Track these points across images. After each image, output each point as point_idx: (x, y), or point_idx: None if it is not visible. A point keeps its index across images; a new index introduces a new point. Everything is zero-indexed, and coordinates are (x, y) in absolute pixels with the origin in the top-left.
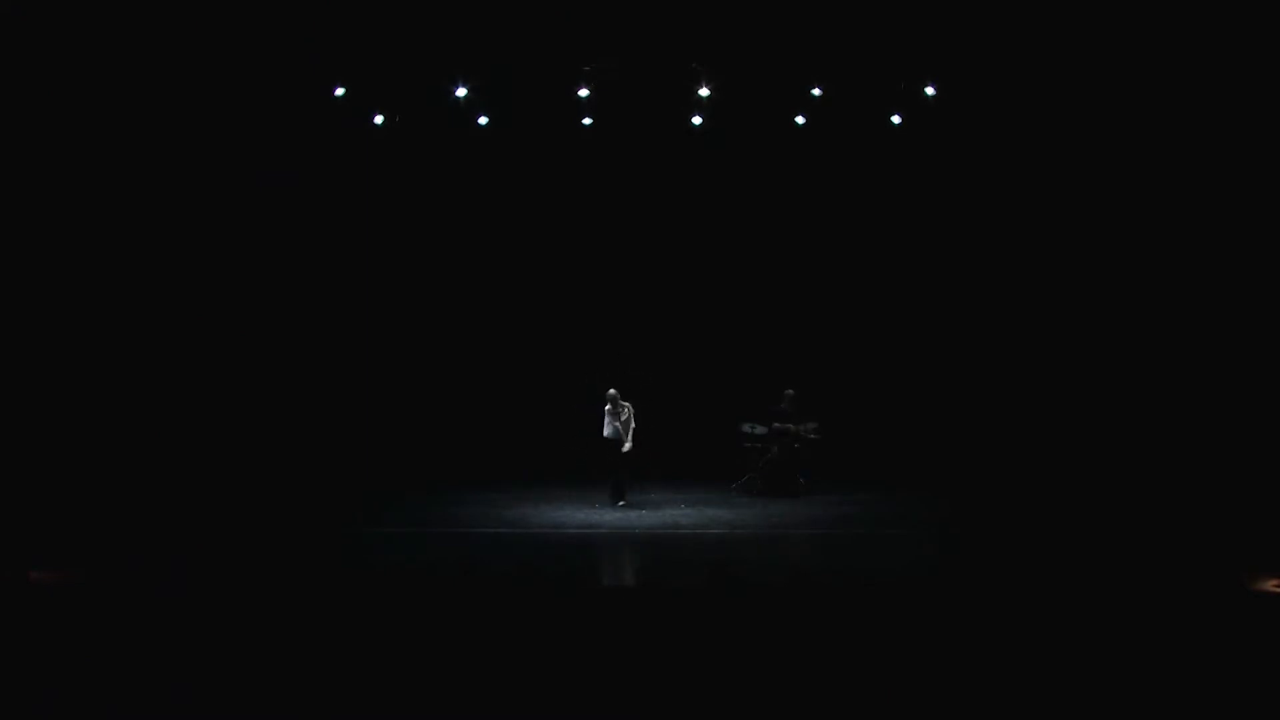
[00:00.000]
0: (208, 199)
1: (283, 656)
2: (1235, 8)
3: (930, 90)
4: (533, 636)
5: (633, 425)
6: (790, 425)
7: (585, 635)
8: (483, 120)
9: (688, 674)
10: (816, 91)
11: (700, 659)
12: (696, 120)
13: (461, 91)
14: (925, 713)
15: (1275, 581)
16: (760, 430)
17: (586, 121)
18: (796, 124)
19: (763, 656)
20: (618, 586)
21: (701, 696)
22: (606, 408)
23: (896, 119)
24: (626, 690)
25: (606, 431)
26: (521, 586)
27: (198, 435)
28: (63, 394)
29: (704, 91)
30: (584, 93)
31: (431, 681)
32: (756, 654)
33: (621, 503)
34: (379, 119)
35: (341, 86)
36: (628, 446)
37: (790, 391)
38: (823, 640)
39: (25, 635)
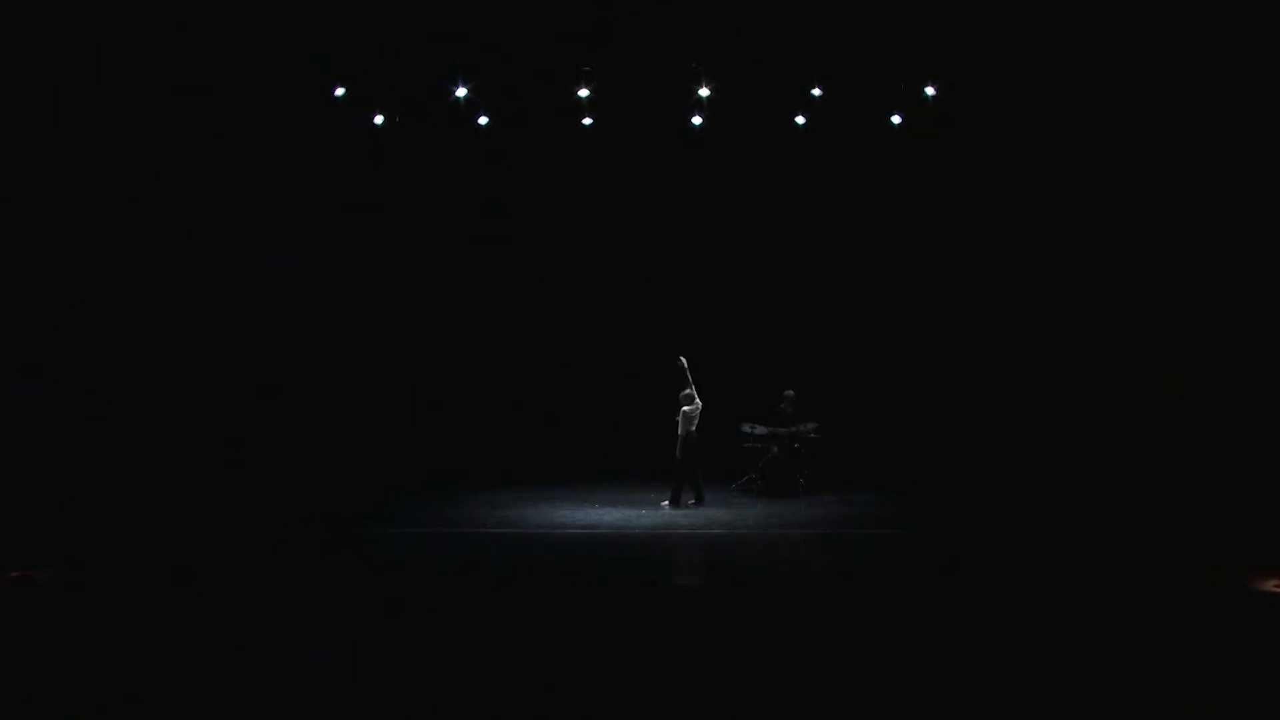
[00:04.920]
0: (208, 198)
1: (282, 656)
2: (1235, 8)
3: (930, 90)
4: (532, 637)
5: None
6: (790, 425)
7: (585, 635)
8: (483, 120)
9: (687, 674)
10: (817, 91)
11: (700, 659)
12: (696, 120)
13: (461, 91)
14: (926, 713)
15: (1275, 581)
16: (760, 430)
17: (586, 121)
18: (797, 124)
19: (763, 656)
20: (617, 587)
21: (701, 696)
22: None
23: (897, 119)
24: (626, 690)
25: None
26: (521, 586)
27: (198, 435)
28: (67, 393)
29: (704, 91)
30: (584, 93)
31: (430, 681)
32: (756, 654)
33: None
34: (379, 119)
35: (342, 86)
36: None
37: (790, 392)
38: (823, 640)
39: (23, 635)
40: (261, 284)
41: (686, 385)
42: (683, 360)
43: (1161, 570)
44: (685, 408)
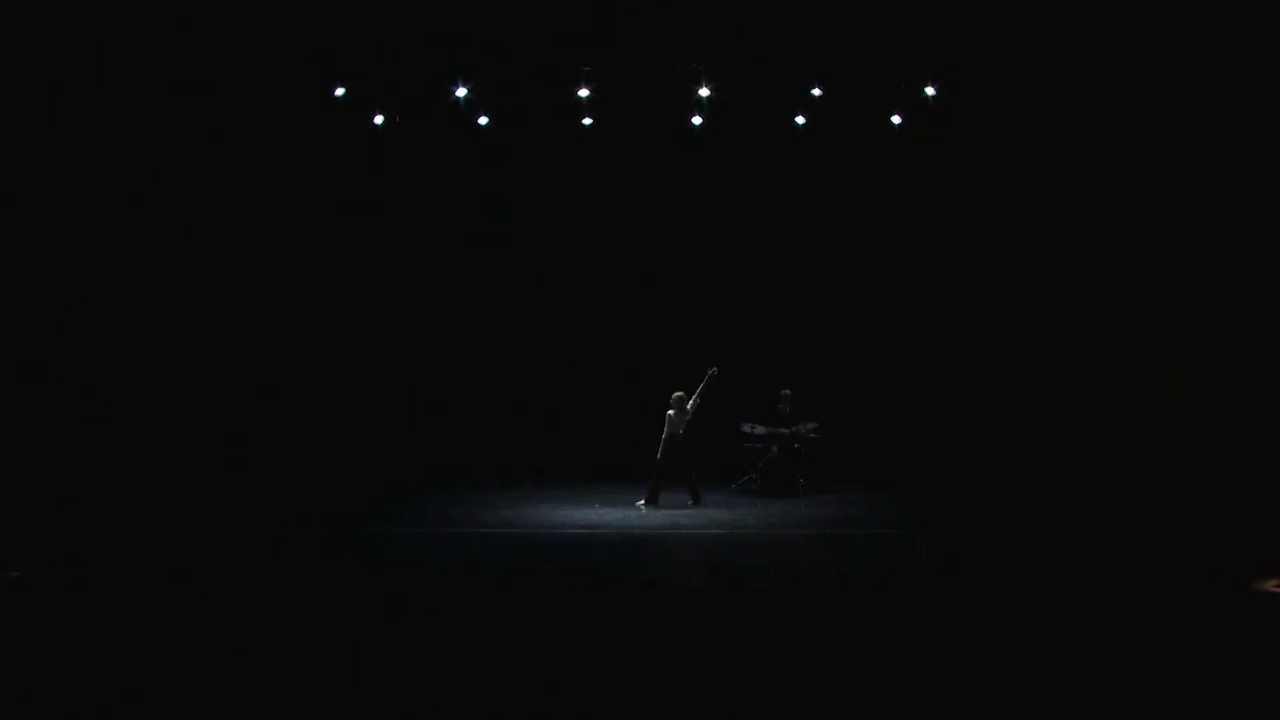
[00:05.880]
0: (208, 198)
1: (282, 656)
2: (1235, 8)
3: (930, 90)
4: (532, 637)
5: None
6: (789, 425)
7: (585, 635)
8: (483, 120)
9: (687, 674)
10: (817, 91)
11: (700, 659)
12: (697, 120)
13: (461, 91)
14: (925, 713)
15: (1275, 581)
16: (760, 430)
17: (586, 121)
18: (797, 124)
19: (763, 656)
20: (617, 587)
21: (701, 696)
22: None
23: (897, 119)
24: (626, 690)
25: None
26: (521, 586)
27: (198, 435)
28: (67, 393)
29: (704, 91)
30: (584, 93)
31: (430, 681)
32: (756, 654)
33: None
34: (379, 119)
35: (342, 86)
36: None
37: (787, 391)
38: (823, 640)
39: (24, 635)
40: (261, 284)
41: (690, 392)
42: (713, 371)
43: (1162, 570)
44: (671, 411)
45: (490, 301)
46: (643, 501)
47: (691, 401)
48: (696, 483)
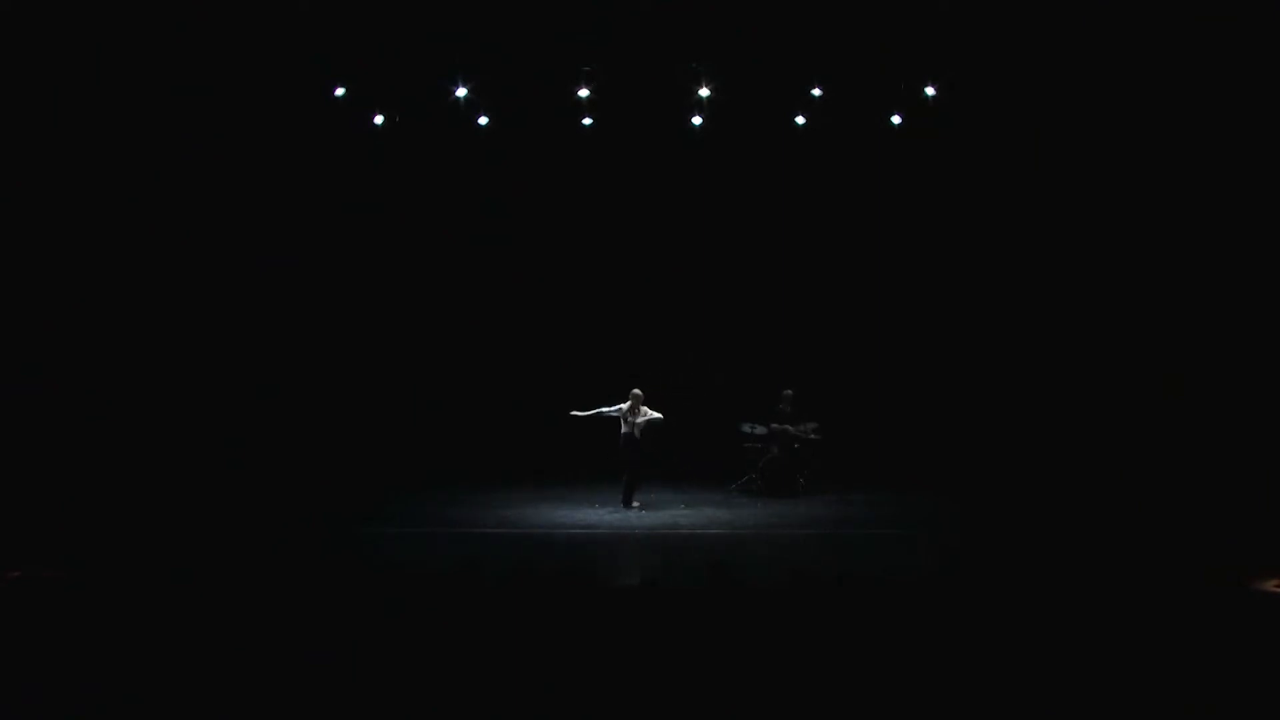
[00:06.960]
0: (208, 198)
1: (282, 656)
2: (1235, 8)
3: (930, 90)
4: (532, 637)
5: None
6: (790, 425)
7: (584, 635)
8: (483, 120)
9: (687, 674)
10: (817, 91)
11: (700, 659)
12: (696, 120)
13: (461, 91)
14: (925, 713)
15: (1275, 581)
16: (760, 430)
17: (586, 121)
18: (797, 124)
19: (763, 656)
20: (617, 586)
21: (701, 696)
22: (627, 405)
23: (897, 119)
24: (626, 690)
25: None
26: (521, 586)
27: (198, 435)
28: (67, 393)
29: (704, 91)
30: (584, 93)
31: (430, 681)
32: (756, 654)
33: (635, 505)
34: (379, 119)
35: (342, 86)
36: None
37: (789, 391)
38: (823, 640)
39: (24, 635)
40: (261, 284)
41: (645, 406)
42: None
43: (1161, 570)
44: (630, 416)
45: (490, 301)
46: (637, 503)
47: (624, 408)
48: (632, 488)
